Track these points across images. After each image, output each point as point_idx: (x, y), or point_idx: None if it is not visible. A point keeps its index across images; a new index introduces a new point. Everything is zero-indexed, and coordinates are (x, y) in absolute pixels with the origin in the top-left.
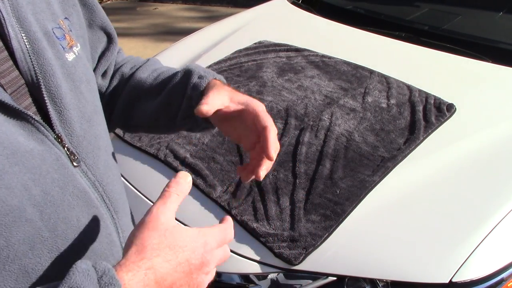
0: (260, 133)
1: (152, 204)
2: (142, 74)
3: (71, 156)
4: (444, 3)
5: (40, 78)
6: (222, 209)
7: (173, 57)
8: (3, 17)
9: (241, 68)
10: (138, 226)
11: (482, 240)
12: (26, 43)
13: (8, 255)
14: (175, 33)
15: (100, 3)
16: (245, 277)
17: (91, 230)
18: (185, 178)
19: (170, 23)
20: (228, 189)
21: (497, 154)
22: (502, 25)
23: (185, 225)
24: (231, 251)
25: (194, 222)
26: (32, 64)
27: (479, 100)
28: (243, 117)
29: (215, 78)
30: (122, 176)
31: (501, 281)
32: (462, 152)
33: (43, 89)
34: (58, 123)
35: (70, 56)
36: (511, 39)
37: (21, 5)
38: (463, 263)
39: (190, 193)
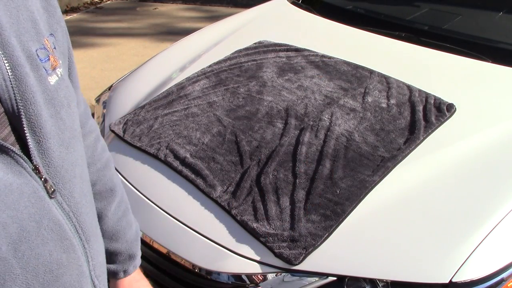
0: None
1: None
2: (110, 214)
3: (48, 187)
4: (444, 3)
5: (21, 106)
6: (222, 209)
7: (173, 57)
8: None
9: (241, 68)
10: None
11: (482, 240)
12: (8, 70)
13: None
14: (175, 33)
15: (100, 3)
16: (245, 277)
17: (62, 263)
18: None
19: (170, 23)
20: (228, 189)
21: (497, 154)
22: (502, 25)
23: (184, 225)
24: (231, 251)
25: (194, 222)
26: (13, 92)
27: (479, 100)
28: None
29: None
30: (122, 176)
31: (501, 281)
32: (462, 152)
33: (23, 118)
34: (37, 153)
35: (52, 79)
36: (511, 39)
37: (5, 28)
38: (463, 263)
39: (190, 193)
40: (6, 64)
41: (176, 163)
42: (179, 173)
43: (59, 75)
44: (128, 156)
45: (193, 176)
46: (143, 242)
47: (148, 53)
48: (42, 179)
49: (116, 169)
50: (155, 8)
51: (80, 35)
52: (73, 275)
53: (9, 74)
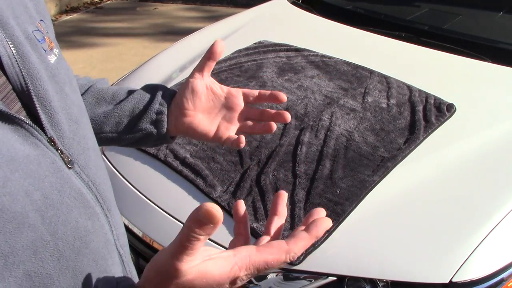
0: (257, 98)
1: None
2: (102, 85)
3: (65, 158)
4: (444, 3)
5: (28, 82)
6: (222, 209)
7: (173, 57)
8: None
9: (241, 68)
10: (158, 279)
11: (482, 240)
12: (11, 48)
13: (14, 262)
14: (175, 33)
15: (100, 3)
16: None
17: (89, 230)
18: (212, 219)
19: (170, 23)
20: (228, 189)
21: (497, 154)
22: (502, 25)
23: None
24: None
25: None
26: (20, 69)
27: (479, 100)
28: (228, 101)
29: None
30: (122, 176)
31: (501, 281)
32: (462, 152)
33: (32, 93)
34: (49, 126)
35: (52, 58)
36: (511, 39)
37: (3, 10)
38: (463, 263)
39: (190, 193)
40: (9, 42)
41: (176, 163)
42: (179, 173)
43: (57, 55)
44: (128, 156)
45: (193, 176)
46: (143, 242)
47: (148, 53)
48: (59, 150)
49: (116, 169)
50: (155, 8)
51: (80, 35)
52: (100, 242)
53: (14, 52)
